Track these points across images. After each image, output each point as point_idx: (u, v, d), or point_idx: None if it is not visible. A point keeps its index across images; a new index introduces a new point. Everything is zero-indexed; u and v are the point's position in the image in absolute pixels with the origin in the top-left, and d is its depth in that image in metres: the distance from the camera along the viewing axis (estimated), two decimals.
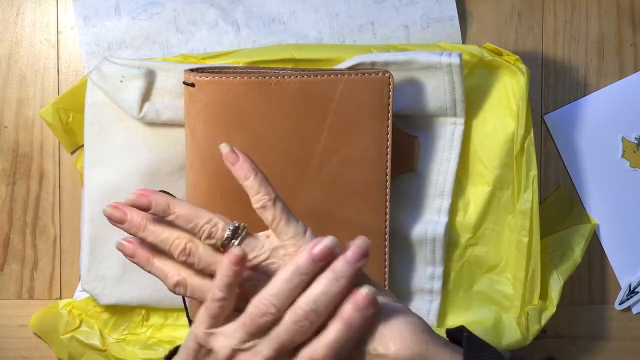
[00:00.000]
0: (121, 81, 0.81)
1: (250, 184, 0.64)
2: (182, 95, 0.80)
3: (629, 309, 0.92)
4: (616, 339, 0.92)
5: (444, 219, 0.85)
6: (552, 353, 0.67)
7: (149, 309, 0.85)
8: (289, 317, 0.61)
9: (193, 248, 0.65)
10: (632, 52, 0.90)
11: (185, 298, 0.81)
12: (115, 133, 0.82)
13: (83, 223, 0.83)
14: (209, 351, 0.63)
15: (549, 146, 0.90)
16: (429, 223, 0.84)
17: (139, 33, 0.87)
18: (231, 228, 0.64)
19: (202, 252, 0.65)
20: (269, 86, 0.78)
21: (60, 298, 0.87)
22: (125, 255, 0.67)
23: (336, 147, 0.79)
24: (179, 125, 0.81)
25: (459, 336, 0.65)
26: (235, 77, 0.77)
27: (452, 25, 0.88)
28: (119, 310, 0.85)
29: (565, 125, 0.90)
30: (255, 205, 0.64)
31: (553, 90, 0.90)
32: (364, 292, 0.60)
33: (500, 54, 0.85)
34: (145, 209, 0.65)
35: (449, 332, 0.67)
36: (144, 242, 0.67)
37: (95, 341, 0.84)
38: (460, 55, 0.81)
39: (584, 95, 0.90)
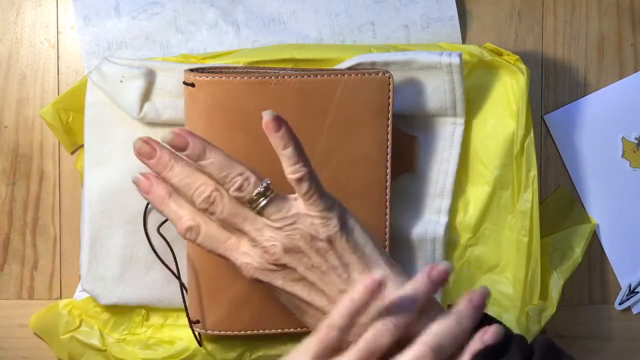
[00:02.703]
0: (121, 81, 0.81)
1: (289, 154, 0.64)
2: (182, 95, 0.80)
3: (629, 309, 0.92)
4: (616, 339, 0.92)
5: (444, 219, 0.85)
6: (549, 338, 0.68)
7: (149, 309, 0.85)
8: (413, 353, 0.59)
9: (218, 197, 0.64)
10: (632, 52, 0.90)
11: (186, 298, 0.81)
12: (115, 133, 0.82)
13: (83, 223, 0.83)
14: None
15: (549, 146, 0.90)
16: (429, 223, 0.84)
17: (139, 33, 0.87)
18: (264, 185, 0.64)
19: (227, 203, 0.64)
20: (269, 86, 0.78)
21: (60, 298, 0.87)
22: (140, 190, 0.66)
23: (336, 147, 0.79)
24: (179, 125, 0.81)
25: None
26: (235, 77, 0.77)
27: (452, 25, 0.88)
28: (119, 310, 0.85)
29: (565, 125, 0.90)
30: (291, 176, 0.64)
31: (553, 90, 0.90)
32: (493, 329, 0.62)
33: (500, 54, 0.85)
34: (180, 149, 0.64)
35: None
36: (161, 181, 0.66)
37: (95, 341, 0.84)
38: (460, 55, 0.81)
39: (584, 95, 0.90)
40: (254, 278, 0.66)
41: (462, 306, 0.62)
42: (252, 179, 0.64)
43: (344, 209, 0.67)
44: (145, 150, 0.65)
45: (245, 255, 0.66)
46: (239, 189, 0.64)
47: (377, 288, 0.60)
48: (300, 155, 0.65)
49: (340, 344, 0.60)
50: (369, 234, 0.67)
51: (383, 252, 0.67)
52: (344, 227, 0.65)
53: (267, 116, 0.64)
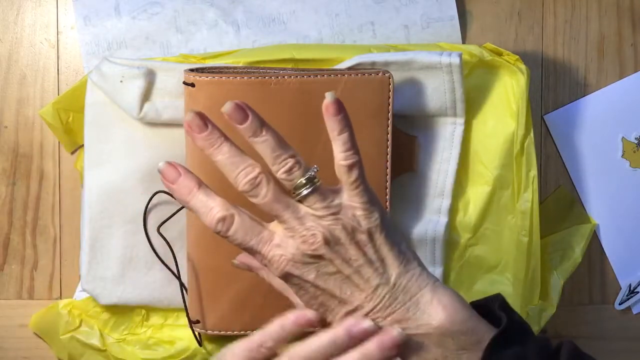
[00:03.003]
0: (121, 81, 0.81)
1: (345, 139, 0.63)
2: (182, 95, 0.80)
3: (629, 309, 0.92)
4: (616, 339, 0.92)
5: (444, 219, 0.85)
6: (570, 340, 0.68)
7: (149, 309, 0.85)
8: None
9: (264, 180, 0.62)
10: (632, 52, 0.90)
11: (186, 298, 0.81)
12: (115, 133, 0.82)
13: (83, 223, 0.83)
14: None
15: (549, 146, 0.90)
16: (429, 223, 0.84)
17: (139, 33, 0.87)
18: (313, 172, 0.63)
19: (272, 187, 0.62)
20: (269, 86, 0.78)
21: (60, 298, 0.87)
22: (165, 179, 0.63)
23: None
24: (179, 125, 0.81)
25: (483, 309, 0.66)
26: (235, 77, 0.77)
27: (452, 25, 0.88)
28: (119, 310, 0.85)
29: (565, 125, 0.90)
30: (343, 162, 0.63)
31: (553, 90, 0.90)
32: None
33: (500, 54, 0.85)
34: (239, 122, 0.63)
35: (475, 305, 0.67)
36: (189, 171, 0.64)
37: (95, 341, 0.84)
38: (460, 55, 0.81)
39: (584, 95, 0.90)
40: (285, 272, 0.64)
41: (371, 346, 0.62)
42: (303, 164, 0.63)
43: (382, 206, 0.66)
44: (197, 124, 0.63)
45: (279, 247, 0.63)
46: (289, 171, 0.63)
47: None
48: (354, 143, 0.64)
49: None
50: (403, 234, 0.67)
51: (415, 252, 0.67)
52: (383, 222, 0.64)
53: (329, 97, 0.63)
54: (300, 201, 0.63)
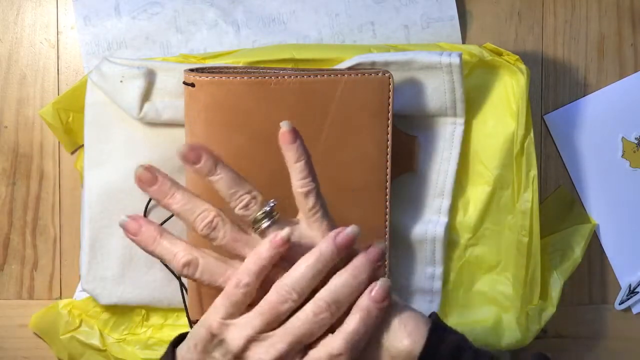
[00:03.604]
0: (121, 81, 0.81)
1: (301, 167, 0.64)
2: (182, 95, 0.80)
3: (629, 309, 0.92)
4: (616, 339, 0.92)
5: (444, 219, 0.85)
6: (546, 352, 0.68)
7: (149, 309, 0.85)
8: (309, 308, 0.61)
9: (220, 222, 0.64)
10: (632, 52, 0.90)
11: (186, 298, 0.81)
12: (115, 133, 0.82)
13: (83, 223, 0.83)
14: (221, 341, 0.62)
15: (549, 146, 0.90)
16: (429, 223, 0.84)
17: (139, 33, 0.87)
18: (271, 205, 0.64)
19: (229, 228, 0.64)
20: (269, 86, 0.78)
21: (60, 298, 0.87)
22: (128, 233, 0.65)
23: (336, 147, 0.79)
24: (179, 125, 0.81)
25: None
26: (235, 77, 0.77)
27: (452, 25, 0.88)
28: (119, 310, 0.85)
29: (565, 125, 0.90)
30: (300, 189, 0.64)
31: (553, 90, 0.90)
32: (380, 284, 0.62)
33: (500, 54, 0.85)
34: (192, 162, 0.64)
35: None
36: (150, 221, 0.65)
37: (95, 341, 0.84)
38: (460, 55, 0.81)
39: (584, 95, 0.90)
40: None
41: (358, 261, 0.63)
42: (259, 198, 0.64)
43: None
44: (147, 178, 0.64)
45: None
46: (246, 206, 0.64)
47: (283, 245, 0.61)
48: (311, 170, 0.65)
49: (251, 299, 0.62)
50: None
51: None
52: None
53: (285, 126, 0.65)
54: (261, 235, 0.64)
